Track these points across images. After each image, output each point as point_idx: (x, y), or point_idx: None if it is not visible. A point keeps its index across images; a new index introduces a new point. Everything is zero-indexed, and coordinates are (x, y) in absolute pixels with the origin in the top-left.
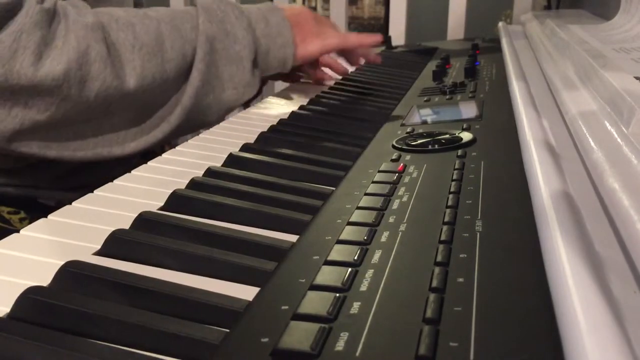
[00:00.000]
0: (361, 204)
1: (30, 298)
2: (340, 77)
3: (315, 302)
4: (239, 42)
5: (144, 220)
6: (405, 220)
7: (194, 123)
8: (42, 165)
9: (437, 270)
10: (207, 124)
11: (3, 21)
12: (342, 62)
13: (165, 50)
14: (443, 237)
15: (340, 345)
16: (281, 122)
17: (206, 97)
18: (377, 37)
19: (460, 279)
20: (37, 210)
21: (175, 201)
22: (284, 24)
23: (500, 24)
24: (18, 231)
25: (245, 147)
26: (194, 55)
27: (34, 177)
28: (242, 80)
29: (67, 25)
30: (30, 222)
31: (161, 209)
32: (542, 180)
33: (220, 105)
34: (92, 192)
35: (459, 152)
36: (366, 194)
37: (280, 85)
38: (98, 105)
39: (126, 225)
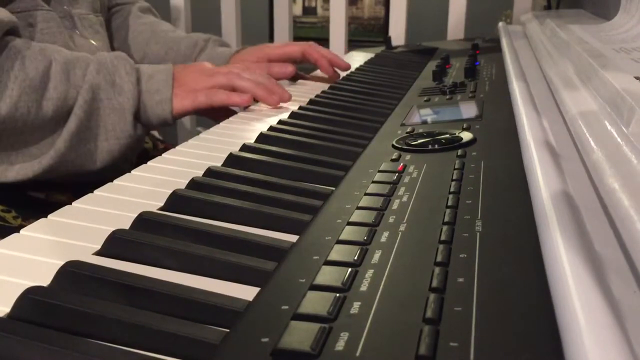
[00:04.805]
0: (361, 204)
1: (30, 298)
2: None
3: (315, 302)
4: (123, 94)
5: (144, 221)
6: (405, 220)
7: (74, 167)
8: None
9: (437, 270)
10: (92, 171)
11: None
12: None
13: (48, 89)
14: (443, 237)
15: (340, 345)
16: (281, 122)
17: (85, 143)
18: (246, 98)
19: (460, 279)
20: (28, 206)
21: (175, 201)
22: (166, 82)
23: (500, 24)
24: (14, 228)
25: (245, 147)
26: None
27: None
28: (124, 131)
29: None
30: (23, 219)
31: (161, 209)
32: (542, 180)
33: (102, 154)
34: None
35: (459, 152)
36: (366, 194)
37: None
38: None
39: (126, 225)
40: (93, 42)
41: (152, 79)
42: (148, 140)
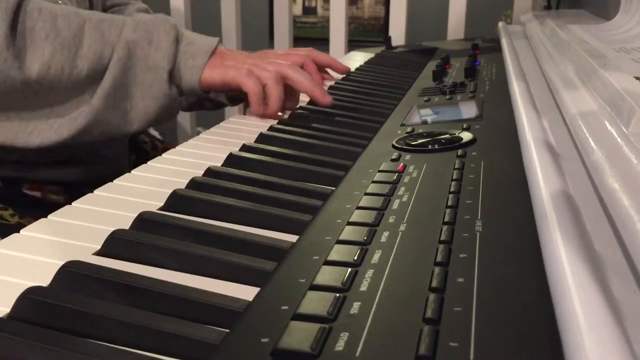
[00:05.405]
0: (361, 204)
1: (30, 298)
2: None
3: (315, 302)
4: (159, 51)
5: (144, 220)
6: (405, 220)
7: (109, 127)
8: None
9: (437, 270)
10: (128, 133)
11: None
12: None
13: (81, 47)
14: (443, 237)
15: (340, 345)
16: (281, 122)
17: (121, 101)
18: (262, 110)
19: (460, 279)
20: (26, 204)
21: (175, 201)
22: (205, 51)
23: (500, 24)
24: (12, 226)
25: (245, 147)
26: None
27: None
28: (160, 89)
29: None
30: (20, 218)
31: (161, 209)
32: (542, 180)
33: (138, 114)
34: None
35: (459, 152)
36: (366, 194)
37: None
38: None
39: (126, 225)
40: None
41: (192, 45)
42: (147, 141)
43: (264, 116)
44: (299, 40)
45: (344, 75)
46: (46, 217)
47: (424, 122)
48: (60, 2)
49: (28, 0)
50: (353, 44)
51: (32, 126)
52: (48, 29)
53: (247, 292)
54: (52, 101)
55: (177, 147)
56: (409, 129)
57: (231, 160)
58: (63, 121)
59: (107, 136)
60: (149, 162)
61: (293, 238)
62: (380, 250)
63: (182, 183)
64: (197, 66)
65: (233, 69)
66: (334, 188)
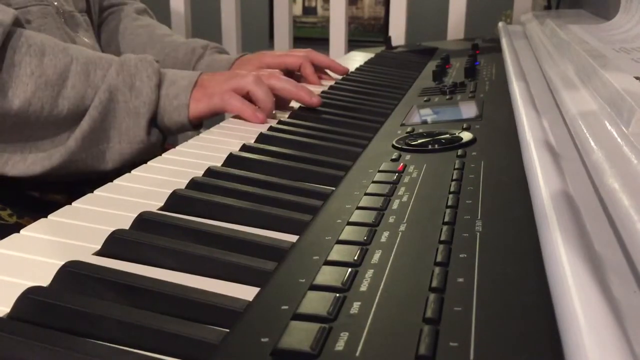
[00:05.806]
0: (361, 204)
1: (30, 298)
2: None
3: (315, 302)
4: (140, 98)
5: (143, 221)
6: (405, 220)
7: (84, 167)
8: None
9: (437, 270)
10: (102, 171)
11: None
12: (338, 64)
13: (65, 87)
14: (443, 237)
15: (340, 345)
16: (281, 122)
17: (98, 144)
18: (257, 119)
19: (460, 279)
20: (23, 204)
21: (175, 201)
22: (186, 88)
23: (500, 24)
24: (10, 225)
25: (245, 147)
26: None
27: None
28: (136, 135)
29: None
30: (18, 217)
31: (161, 209)
32: (542, 180)
33: (114, 156)
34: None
35: (459, 152)
36: (366, 194)
37: None
38: None
39: (126, 225)
40: (86, 40)
41: (174, 85)
42: None
43: (262, 121)
44: (299, 40)
45: (344, 75)
46: (46, 217)
47: (424, 122)
48: (55, 3)
49: (19, 33)
50: (353, 44)
51: (5, 157)
52: (34, 67)
53: (247, 292)
54: (28, 136)
55: (177, 147)
56: (409, 129)
57: (231, 160)
58: (37, 158)
59: (82, 173)
60: (149, 162)
61: (293, 238)
62: (380, 250)
63: (182, 183)
64: (182, 105)
65: (216, 96)
66: (334, 188)
